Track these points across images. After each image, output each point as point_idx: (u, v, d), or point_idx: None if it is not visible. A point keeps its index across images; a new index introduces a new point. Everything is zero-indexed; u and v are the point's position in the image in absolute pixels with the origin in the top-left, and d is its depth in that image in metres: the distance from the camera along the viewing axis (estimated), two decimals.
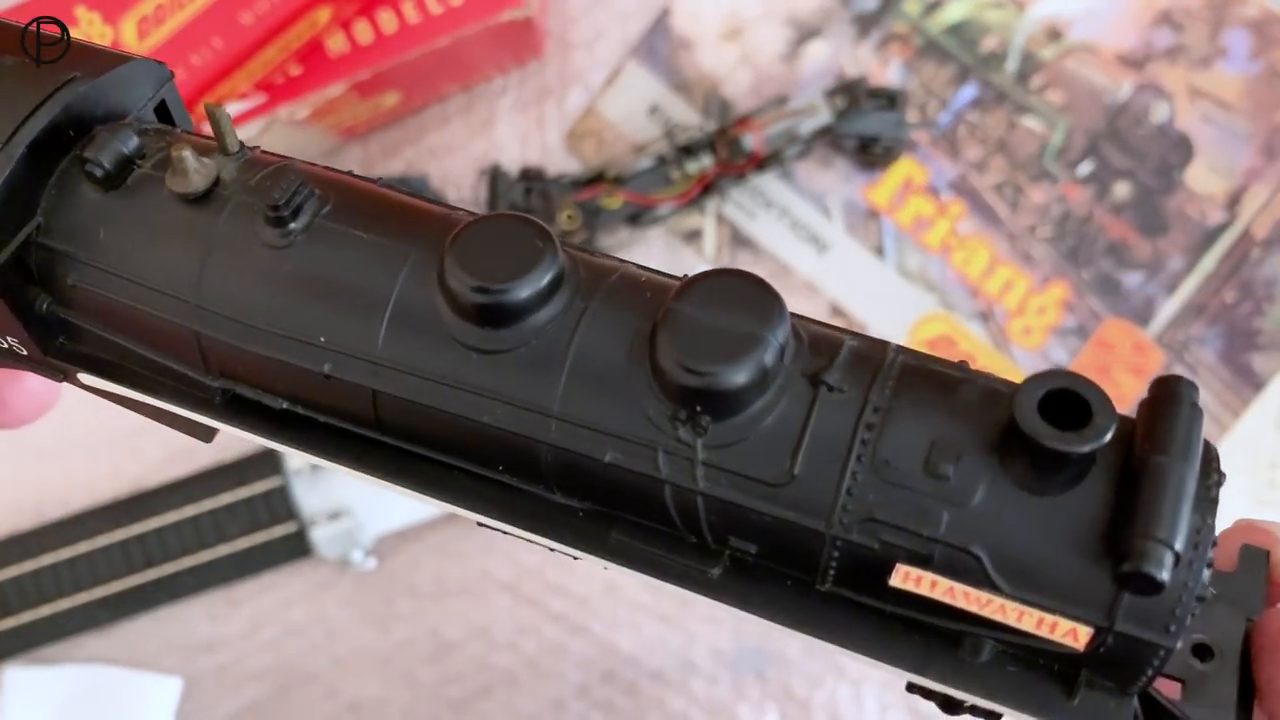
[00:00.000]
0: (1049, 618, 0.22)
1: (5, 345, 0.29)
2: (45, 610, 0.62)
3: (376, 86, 0.59)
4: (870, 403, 0.23)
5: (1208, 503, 0.22)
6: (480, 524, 0.27)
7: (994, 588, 0.22)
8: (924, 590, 0.23)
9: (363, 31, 0.57)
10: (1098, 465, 0.23)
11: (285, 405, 0.27)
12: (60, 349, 0.29)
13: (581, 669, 0.63)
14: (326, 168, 0.28)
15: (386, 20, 0.57)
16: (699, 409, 0.23)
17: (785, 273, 0.64)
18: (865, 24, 0.65)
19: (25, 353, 0.29)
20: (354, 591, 0.63)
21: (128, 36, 0.52)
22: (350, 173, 0.28)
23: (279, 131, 0.58)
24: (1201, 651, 0.25)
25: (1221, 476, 0.23)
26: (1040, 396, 0.22)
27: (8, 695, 0.62)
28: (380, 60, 0.57)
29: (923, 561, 0.23)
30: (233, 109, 0.55)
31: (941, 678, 0.24)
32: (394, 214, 0.27)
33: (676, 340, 0.23)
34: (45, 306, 0.28)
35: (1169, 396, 0.23)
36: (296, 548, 0.62)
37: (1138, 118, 0.64)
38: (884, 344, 0.25)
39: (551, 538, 0.26)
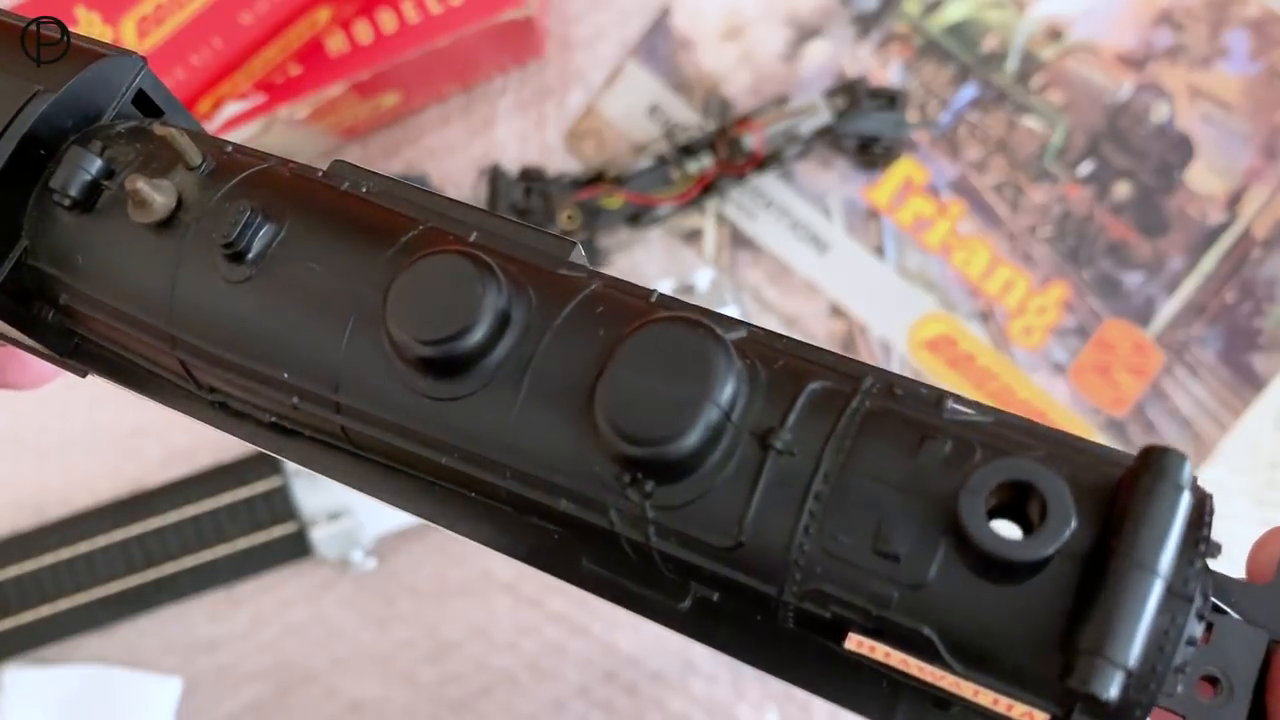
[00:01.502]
0: (1004, 699, 0.21)
1: (30, 343, 0.30)
2: (45, 610, 0.62)
3: (376, 86, 0.59)
4: (821, 469, 0.22)
5: (1182, 600, 0.20)
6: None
7: (948, 667, 0.21)
8: (878, 658, 0.22)
9: (362, 31, 0.57)
10: (1067, 550, 0.21)
11: (272, 419, 0.27)
12: (76, 349, 0.30)
13: (581, 669, 0.63)
14: (295, 170, 0.27)
15: (386, 20, 0.57)
16: (641, 475, 0.23)
17: (785, 273, 0.64)
18: (865, 24, 0.65)
19: (46, 352, 0.30)
20: (354, 591, 0.63)
21: (128, 36, 0.52)
22: (323, 172, 0.27)
23: (279, 131, 0.58)
24: (1212, 682, 0.24)
25: (1212, 549, 0.21)
26: (987, 495, 0.21)
27: (8, 695, 0.62)
28: (380, 60, 0.57)
29: (875, 634, 0.22)
30: (232, 109, 0.55)
31: None
32: (350, 236, 0.26)
33: (614, 408, 0.22)
34: (50, 315, 0.28)
35: (1152, 474, 0.21)
36: (296, 548, 0.62)
37: (1138, 118, 0.64)
38: (855, 382, 0.23)
39: (528, 562, 0.26)
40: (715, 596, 0.24)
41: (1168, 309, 0.63)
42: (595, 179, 0.62)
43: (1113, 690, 0.19)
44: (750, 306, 0.64)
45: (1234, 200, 0.63)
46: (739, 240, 0.65)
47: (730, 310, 0.58)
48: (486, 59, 0.63)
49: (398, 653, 0.63)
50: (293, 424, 0.27)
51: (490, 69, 0.64)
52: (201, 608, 0.63)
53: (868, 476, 0.22)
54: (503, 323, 0.24)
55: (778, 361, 0.24)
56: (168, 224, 0.26)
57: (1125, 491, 0.21)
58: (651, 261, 0.64)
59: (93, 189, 0.27)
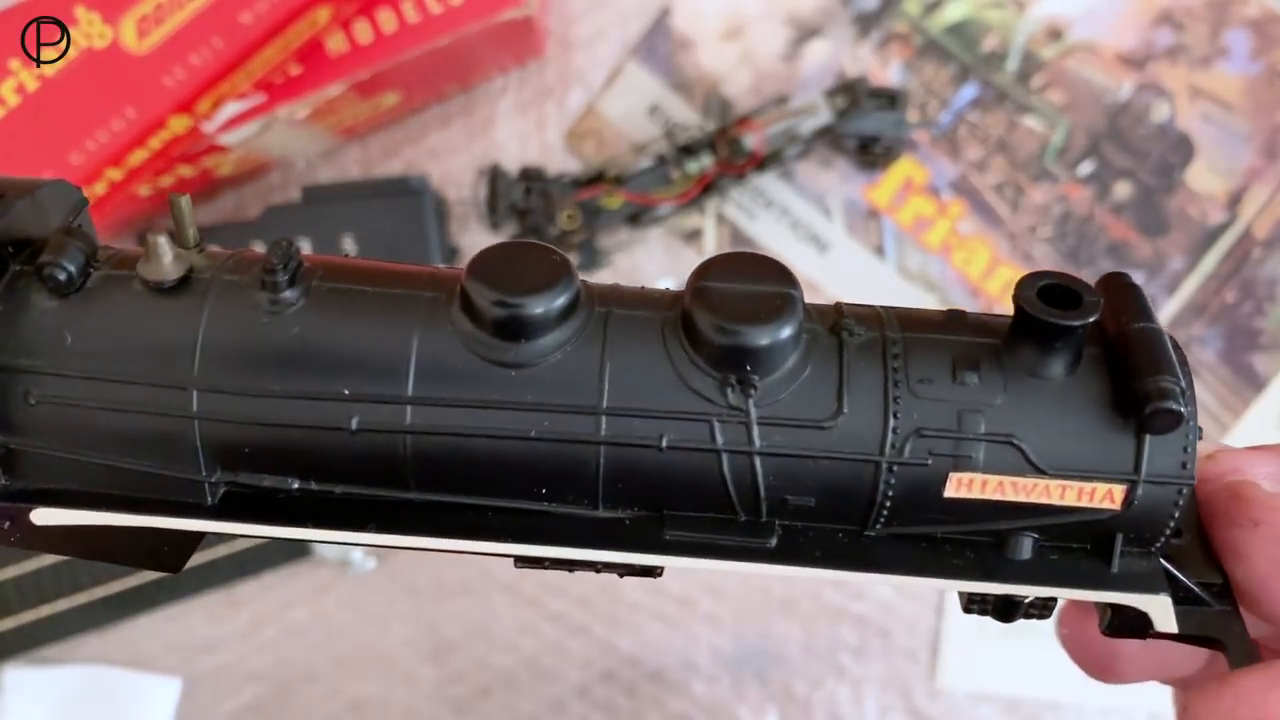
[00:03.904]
0: (1087, 486, 0.26)
1: None
2: (45, 610, 0.62)
3: (376, 86, 0.59)
4: (888, 338, 0.26)
5: (1181, 355, 0.26)
6: (520, 563, 0.27)
7: (1038, 471, 0.26)
8: (975, 493, 0.26)
9: (362, 31, 0.57)
10: (1088, 350, 0.26)
11: (298, 485, 0.26)
12: (4, 491, 0.27)
13: (581, 669, 0.63)
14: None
15: (386, 20, 0.57)
16: (748, 368, 0.25)
17: None
18: (866, 23, 0.65)
19: None
20: (354, 592, 0.63)
21: (127, 36, 0.52)
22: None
23: (279, 131, 0.58)
24: (1176, 532, 0.29)
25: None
26: (1039, 288, 0.26)
27: (8, 695, 0.62)
28: (380, 60, 0.57)
29: (972, 466, 0.25)
30: (232, 109, 0.55)
31: (1000, 579, 0.27)
32: (392, 272, 0.27)
33: (715, 310, 0.25)
34: None
35: (1120, 285, 0.28)
36: (296, 548, 0.62)
37: (1138, 117, 0.64)
38: (869, 305, 0.28)
39: (602, 547, 0.26)
40: (812, 503, 0.26)
41: (1168, 309, 0.63)
42: (595, 179, 0.62)
43: (1182, 405, 0.25)
44: None
45: (1234, 200, 0.63)
46: (739, 240, 0.65)
47: None
48: (486, 59, 0.63)
49: (398, 653, 0.63)
50: (326, 478, 0.26)
51: (490, 69, 0.64)
52: (201, 608, 0.63)
53: (925, 335, 0.27)
54: (577, 293, 0.26)
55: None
56: (181, 285, 0.26)
57: (1107, 304, 0.26)
58: (651, 261, 0.64)
59: (83, 269, 0.26)
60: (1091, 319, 0.25)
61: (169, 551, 0.27)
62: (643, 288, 0.28)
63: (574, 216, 0.61)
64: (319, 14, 0.54)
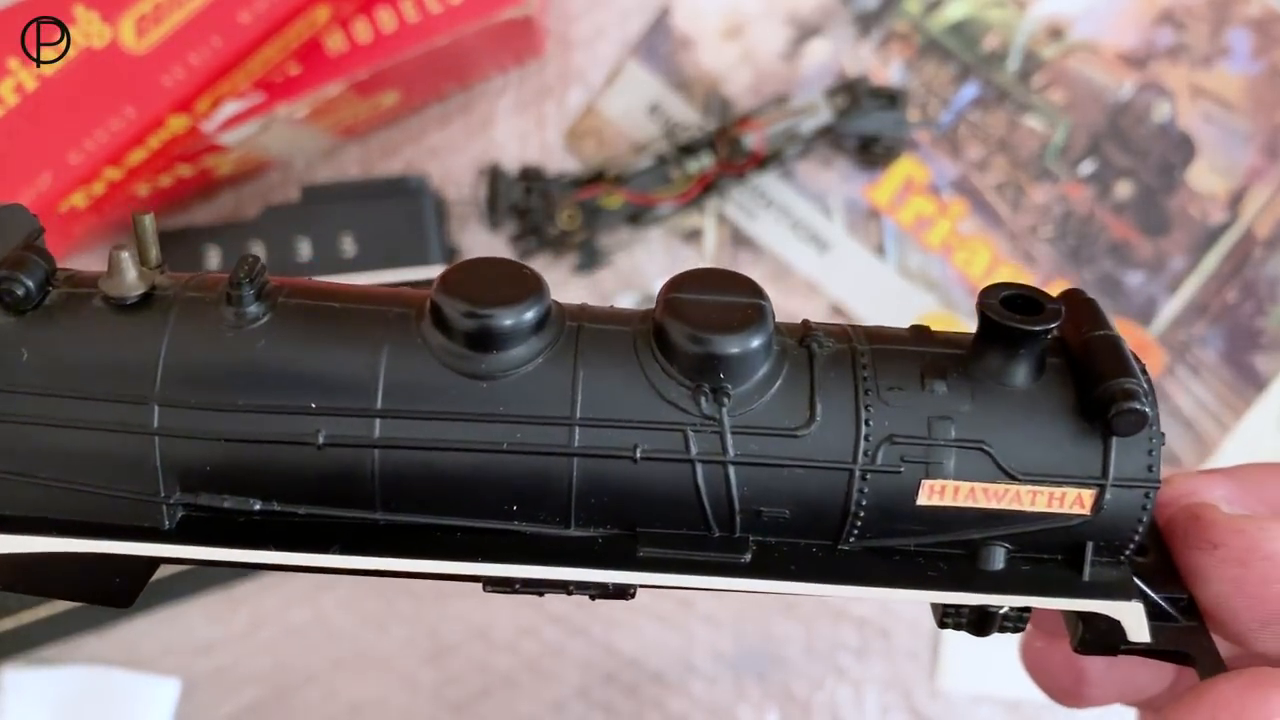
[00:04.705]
0: (1058, 491, 0.26)
1: None
2: (44, 611, 0.61)
3: (375, 86, 0.59)
4: (857, 350, 0.27)
5: (1140, 363, 0.27)
6: (489, 587, 0.26)
7: (1008, 477, 0.26)
8: (947, 500, 0.26)
9: (362, 30, 0.57)
10: (1051, 360, 0.27)
11: (260, 506, 0.25)
12: None
13: (581, 670, 0.63)
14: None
15: (385, 19, 0.57)
16: (721, 376, 0.25)
17: (786, 273, 0.64)
18: (866, 23, 0.65)
19: None
20: (353, 593, 0.63)
21: (126, 35, 0.51)
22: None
23: (278, 131, 0.58)
24: (1141, 550, 0.29)
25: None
26: (1001, 297, 0.26)
27: (7, 695, 0.61)
28: (379, 59, 0.57)
29: (943, 473, 0.26)
30: (231, 108, 0.55)
31: (976, 589, 0.27)
32: (359, 291, 0.27)
33: (688, 319, 0.25)
34: None
35: (1079, 300, 0.28)
36: None
37: (1139, 117, 0.64)
38: (835, 323, 0.28)
39: (574, 565, 0.26)
40: (786, 515, 0.26)
41: (1169, 309, 0.63)
42: (595, 178, 0.62)
43: (1145, 405, 0.25)
44: None
45: (1235, 200, 0.63)
46: (739, 240, 0.64)
47: None
48: (486, 58, 0.62)
49: (397, 654, 0.63)
50: (290, 499, 0.25)
51: (490, 68, 0.64)
52: (200, 608, 0.63)
53: (892, 348, 0.27)
54: (548, 306, 0.26)
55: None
56: (144, 301, 0.25)
57: (1068, 318, 0.27)
58: (652, 261, 0.64)
59: (42, 286, 0.25)
60: (1055, 325, 0.25)
61: (120, 583, 0.26)
62: (612, 306, 0.28)
63: (574, 216, 0.61)
64: (318, 13, 0.54)
